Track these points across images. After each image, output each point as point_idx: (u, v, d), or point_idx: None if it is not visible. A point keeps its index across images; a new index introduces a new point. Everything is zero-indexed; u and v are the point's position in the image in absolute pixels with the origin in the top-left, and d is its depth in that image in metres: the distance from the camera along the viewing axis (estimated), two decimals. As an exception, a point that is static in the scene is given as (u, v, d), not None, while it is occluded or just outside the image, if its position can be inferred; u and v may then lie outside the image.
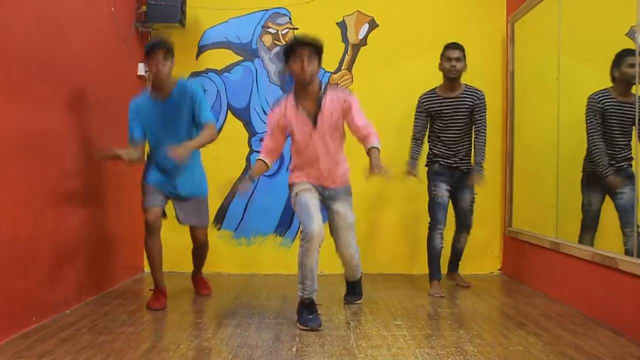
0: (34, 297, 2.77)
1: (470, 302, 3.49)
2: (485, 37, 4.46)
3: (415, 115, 3.80)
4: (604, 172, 3.11)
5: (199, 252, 3.58)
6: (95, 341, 2.54)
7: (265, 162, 3.12)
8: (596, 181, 3.17)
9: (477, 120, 3.69)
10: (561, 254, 3.43)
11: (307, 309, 2.89)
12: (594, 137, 3.15)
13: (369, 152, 3.00)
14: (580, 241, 3.28)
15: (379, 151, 2.98)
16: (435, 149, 3.74)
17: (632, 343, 2.59)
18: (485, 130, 3.69)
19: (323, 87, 3.04)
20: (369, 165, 2.89)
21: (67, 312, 3.05)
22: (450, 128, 3.68)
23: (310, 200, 2.99)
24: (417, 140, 3.79)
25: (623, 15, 2.94)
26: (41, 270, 2.83)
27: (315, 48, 2.92)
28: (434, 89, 3.76)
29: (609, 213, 3.11)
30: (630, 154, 2.99)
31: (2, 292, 2.48)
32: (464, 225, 3.84)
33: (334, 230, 3.17)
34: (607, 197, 3.14)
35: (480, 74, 4.14)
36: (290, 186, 3.16)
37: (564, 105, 3.49)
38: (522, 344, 2.58)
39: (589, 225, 3.26)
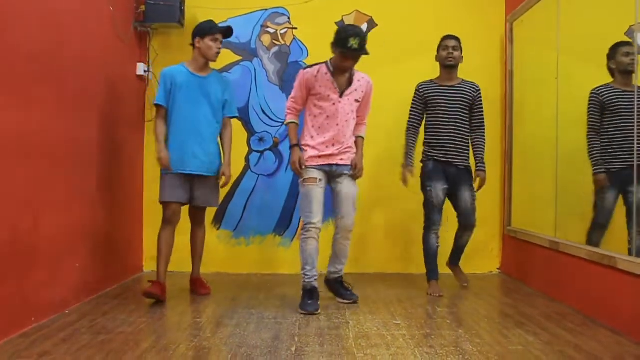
0: (33, 297, 2.77)
1: (470, 301, 3.50)
2: (484, 37, 4.47)
3: (412, 104, 3.77)
4: (595, 169, 3.16)
5: (200, 234, 3.67)
6: (94, 341, 2.54)
7: (297, 123, 3.38)
8: (610, 179, 3.11)
9: (476, 114, 3.71)
10: (560, 253, 3.43)
11: (307, 295, 3.19)
12: (591, 132, 3.19)
13: (356, 140, 3.42)
14: (589, 239, 3.23)
15: (363, 140, 3.44)
16: (432, 140, 3.68)
17: (631, 342, 2.60)
18: (484, 125, 3.73)
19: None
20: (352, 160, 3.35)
21: (67, 312, 3.05)
22: (446, 117, 3.64)
23: (316, 194, 3.23)
24: (413, 129, 3.74)
25: (622, 15, 2.95)
26: (40, 270, 2.83)
27: None
28: (431, 79, 3.77)
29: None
30: None
31: (1, 292, 2.48)
32: (467, 225, 3.72)
33: (338, 200, 3.36)
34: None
35: (479, 73, 4.13)
36: None
37: (563, 105, 3.49)
38: (522, 343, 2.59)
39: (602, 224, 3.20)
